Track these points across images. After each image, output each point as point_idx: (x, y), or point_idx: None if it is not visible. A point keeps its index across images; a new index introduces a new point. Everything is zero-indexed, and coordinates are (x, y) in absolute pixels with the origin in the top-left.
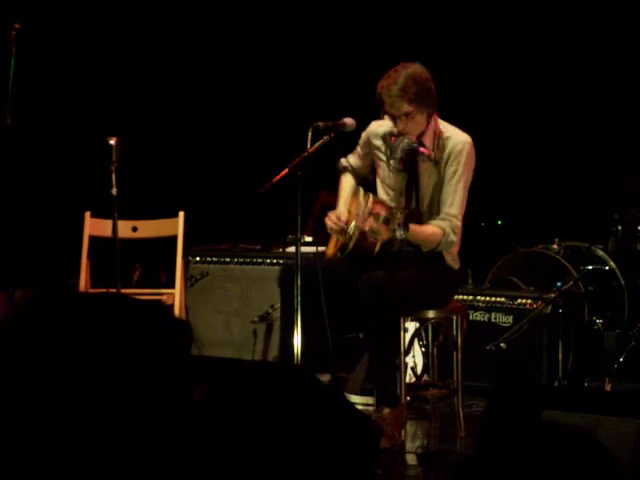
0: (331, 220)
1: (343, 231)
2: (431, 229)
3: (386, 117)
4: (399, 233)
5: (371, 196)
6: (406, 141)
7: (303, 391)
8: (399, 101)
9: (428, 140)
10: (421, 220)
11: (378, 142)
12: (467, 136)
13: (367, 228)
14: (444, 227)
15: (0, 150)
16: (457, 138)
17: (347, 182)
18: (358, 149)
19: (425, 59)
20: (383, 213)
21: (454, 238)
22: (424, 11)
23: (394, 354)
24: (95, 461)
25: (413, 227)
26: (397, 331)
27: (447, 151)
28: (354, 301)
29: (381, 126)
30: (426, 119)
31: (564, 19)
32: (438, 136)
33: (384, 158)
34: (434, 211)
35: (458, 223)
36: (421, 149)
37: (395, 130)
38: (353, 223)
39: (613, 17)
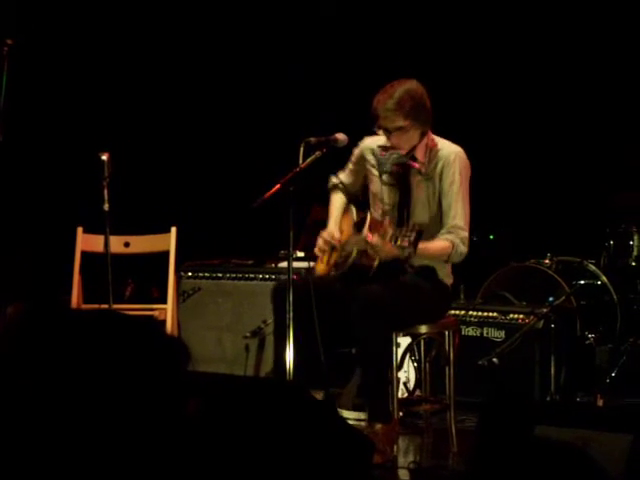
0: (323, 239)
1: (337, 249)
2: (440, 244)
3: (380, 132)
4: (407, 251)
5: (368, 215)
6: (395, 155)
7: (296, 407)
8: (394, 115)
9: (420, 154)
10: (418, 240)
11: (371, 157)
12: (458, 147)
13: (372, 241)
14: (452, 240)
15: None
16: (449, 149)
17: (338, 200)
18: (350, 165)
19: (417, 74)
20: (390, 231)
21: (464, 249)
22: (417, 24)
23: (386, 370)
24: (87, 474)
25: (422, 246)
26: (389, 347)
27: (440, 164)
28: (346, 316)
29: (375, 141)
30: (419, 135)
31: (551, 40)
32: (430, 149)
33: (376, 173)
34: (424, 225)
35: (465, 234)
36: (411, 163)
37: (387, 144)
38: (352, 240)
39: (599, 38)
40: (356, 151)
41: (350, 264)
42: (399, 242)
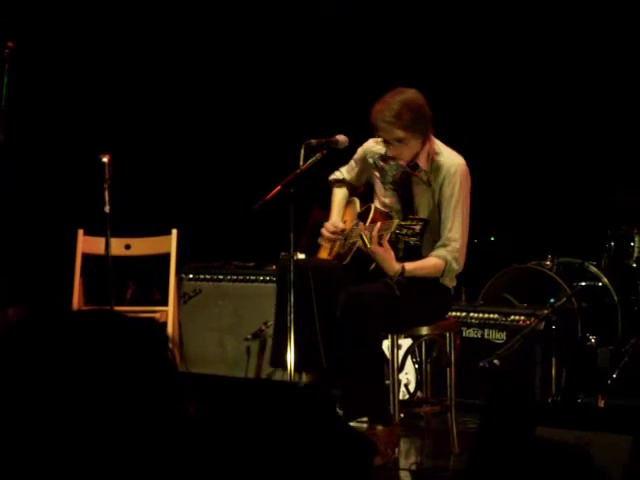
0: (328, 230)
1: (340, 240)
2: (432, 262)
3: (380, 141)
4: (399, 275)
5: (372, 207)
6: (396, 166)
7: (297, 409)
8: (392, 127)
9: (422, 161)
10: (424, 230)
11: (373, 162)
12: (461, 158)
13: (374, 250)
14: (445, 256)
15: None
16: (451, 161)
17: (340, 193)
18: (352, 163)
19: (417, 76)
20: (396, 222)
21: (456, 266)
22: (417, 26)
23: (382, 370)
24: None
25: (414, 266)
26: (379, 346)
27: (441, 175)
28: None
29: (378, 143)
30: (420, 144)
31: (549, 39)
32: (432, 157)
33: (378, 175)
34: (427, 231)
35: (457, 246)
36: (413, 172)
37: (387, 154)
38: (355, 231)
39: (599, 38)
40: (359, 151)
41: (353, 255)
42: (404, 231)
